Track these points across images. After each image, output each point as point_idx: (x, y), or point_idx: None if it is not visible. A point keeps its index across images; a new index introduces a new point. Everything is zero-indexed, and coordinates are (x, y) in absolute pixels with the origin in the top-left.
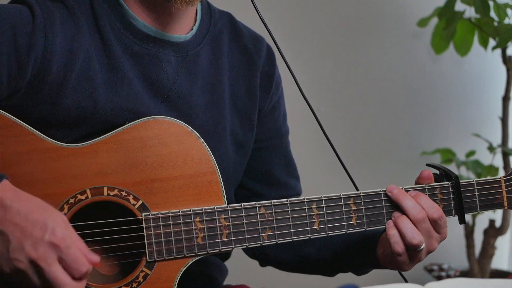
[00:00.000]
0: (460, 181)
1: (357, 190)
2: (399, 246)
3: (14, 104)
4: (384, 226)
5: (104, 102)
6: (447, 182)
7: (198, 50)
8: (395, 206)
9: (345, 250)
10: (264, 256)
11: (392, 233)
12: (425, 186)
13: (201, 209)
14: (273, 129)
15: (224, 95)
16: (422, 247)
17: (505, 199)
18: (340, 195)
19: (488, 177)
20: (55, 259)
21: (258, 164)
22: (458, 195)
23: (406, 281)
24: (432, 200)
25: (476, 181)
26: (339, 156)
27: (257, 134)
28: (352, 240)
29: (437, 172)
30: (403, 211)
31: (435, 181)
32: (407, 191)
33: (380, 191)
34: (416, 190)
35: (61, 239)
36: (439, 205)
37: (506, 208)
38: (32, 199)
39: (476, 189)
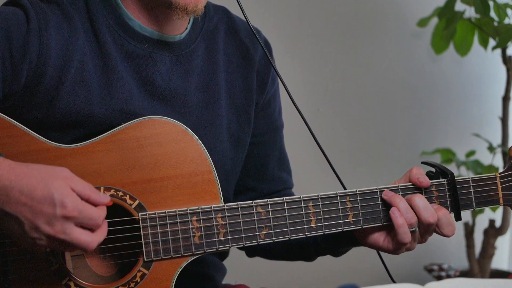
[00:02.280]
0: (456, 178)
1: (344, 188)
2: (408, 237)
3: (9, 106)
4: (380, 224)
5: (99, 104)
6: (443, 180)
7: (193, 48)
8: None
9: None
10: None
11: (401, 222)
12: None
13: (198, 209)
14: (269, 123)
15: (221, 92)
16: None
17: (500, 195)
18: (337, 193)
19: (484, 175)
20: (72, 227)
21: (252, 158)
22: (454, 192)
23: (394, 282)
24: (428, 197)
25: (471, 178)
26: (324, 152)
27: (253, 128)
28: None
29: (433, 169)
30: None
31: (431, 179)
32: (404, 190)
33: (376, 188)
34: (411, 188)
35: (72, 209)
36: (434, 202)
37: (502, 205)
38: (31, 171)
39: (471, 186)
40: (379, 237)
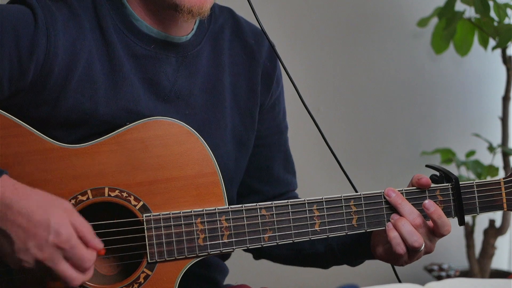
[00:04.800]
0: (460, 182)
1: (356, 191)
2: (401, 248)
3: (15, 104)
4: (384, 228)
5: (105, 104)
6: (447, 184)
7: (199, 49)
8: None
9: (339, 244)
10: (258, 249)
11: (393, 235)
12: (425, 189)
13: (202, 210)
14: (274, 125)
15: (225, 93)
16: (422, 248)
17: (504, 201)
18: (341, 196)
19: (488, 179)
20: (61, 258)
21: (257, 160)
22: (458, 197)
23: (400, 281)
24: (433, 201)
25: (476, 183)
26: (337, 157)
27: (257, 130)
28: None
29: (437, 173)
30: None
31: (435, 183)
32: (408, 194)
33: (381, 192)
34: (416, 192)
35: (65, 240)
36: (439, 206)
37: (506, 210)
38: (32, 195)
39: (475, 191)
40: (382, 250)
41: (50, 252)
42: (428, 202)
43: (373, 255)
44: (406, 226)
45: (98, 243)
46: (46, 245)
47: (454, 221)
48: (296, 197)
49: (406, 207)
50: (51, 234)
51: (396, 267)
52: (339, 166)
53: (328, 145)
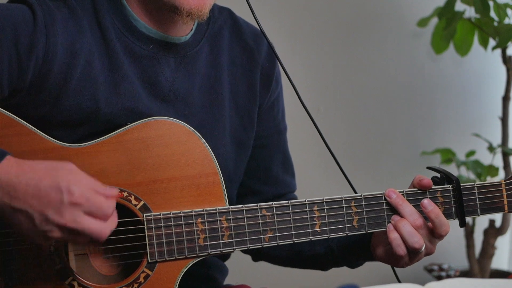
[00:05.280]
0: (461, 184)
1: (355, 191)
2: (401, 249)
3: (15, 104)
4: (385, 229)
5: (105, 103)
6: (448, 186)
7: (197, 49)
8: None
9: (339, 245)
10: (257, 250)
11: (394, 236)
12: (426, 190)
13: (203, 210)
14: (272, 126)
15: (224, 93)
16: (423, 249)
17: (505, 202)
18: (342, 197)
19: (489, 181)
20: (82, 215)
21: (256, 161)
22: (459, 199)
23: (399, 281)
24: (431, 201)
25: (476, 184)
26: (335, 157)
27: (256, 131)
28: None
29: (438, 175)
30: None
31: (436, 184)
32: (409, 195)
33: (382, 193)
34: (417, 193)
35: (79, 195)
36: (439, 208)
37: (507, 211)
38: (36, 165)
39: (476, 193)
40: (382, 252)
41: (70, 212)
42: (426, 201)
43: (373, 257)
44: (406, 227)
45: (113, 190)
46: (63, 207)
47: (455, 222)
48: (295, 199)
49: (407, 208)
50: (64, 194)
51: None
52: (338, 167)
53: (326, 145)
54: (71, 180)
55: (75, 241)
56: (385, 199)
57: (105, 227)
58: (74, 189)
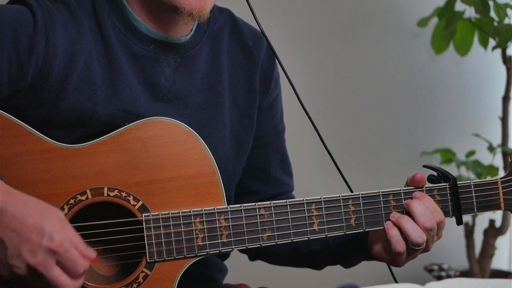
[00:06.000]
0: (458, 182)
1: (351, 190)
2: (400, 246)
3: (14, 105)
4: (382, 227)
5: (103, 104)
6: (445, 184)
7: (197, 50)
8: (393, 207)
9: (335, 242)
10: (254, 248)
11: (393, 233)
12: (423, 188)
13: (201, 210)
14: (271, 126)
15: (224, 94)
16: (424, 245)
17: (501, 200)
18: (339, 196)
19: (485, 179)
20: (54, 263)
21: (254, 161)
22: (456, 197)
23: (396, 281)
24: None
25: (473, 182)
26: (332, 156)
27: (255, 131)
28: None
29: (435, 173)
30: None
31: (433, 183)
32: (407, 195)
33: (379, 192)
34: (414, 191)
35: (58, 244)
36: (437, 206)
37: (503, 209)
38: (27, 200)
39: (473, 191)
40: (380, 248)
41: (43, 257)
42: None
43: (370, 254)
44: (410, 223)
45: (91, 252)
46: (39, 249)
47: (453, 220)
48: (292, 198)
49: (418, 208)
50: (44, 238)
51: (393, 267)
52: (335, 166)
53: (324, 145)
54: (56, 227)
55: (35, 286)
56: (383, 197)
57: (72, 285)
58: (56, 236)
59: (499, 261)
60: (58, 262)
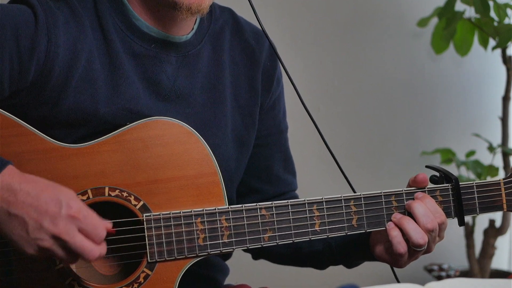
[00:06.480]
0: (460, 183)
1: (354, 191)
2: (402, 247)
3: (15, 104)
4: (384, 228)
5: (105, 103)
6: (447, 184)
7: (199, 49)
8: (395, 208)
9: (337, 242)
10: (257, 248)
11: (395, 234)
12: (425, 189)
13: (202, 210)
14: (273, 125)
15: (226, 93)
16: (425, 246)
17: (504, 201)
18: (341, 196)
19: (488, 180)
20: (76, 230)
21: (257, 160)
22: (458, 198)
23: (398, 281)
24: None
25: (475, 183)
26: (335, 157)
27: (257, 130)
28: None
29: (437, 174)
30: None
31: (435, 183)
32: (409, 195)
33: (381, 192)
34: (416, 192)
35: (77, 210)
36: (439, 206)
37: (505, 210)
38: (39, 180)
39: (475, 192)
40: (382, 249)
41: (65, 224)
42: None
43: (372, 255)
44: (411, 224)
45: (106, 222)
46: (59, 218)
47: (454, 220)
48: (296, 197)
49: (420, 209)
50: (63, 207)
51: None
52: (338, 167)
53: (326, 145)
54: (71, 197)
55: (62, 258)
56: (384, 198)
57: (96, 249)
58: (73, 204)
59: (499, 261)
60: (80, 230)
